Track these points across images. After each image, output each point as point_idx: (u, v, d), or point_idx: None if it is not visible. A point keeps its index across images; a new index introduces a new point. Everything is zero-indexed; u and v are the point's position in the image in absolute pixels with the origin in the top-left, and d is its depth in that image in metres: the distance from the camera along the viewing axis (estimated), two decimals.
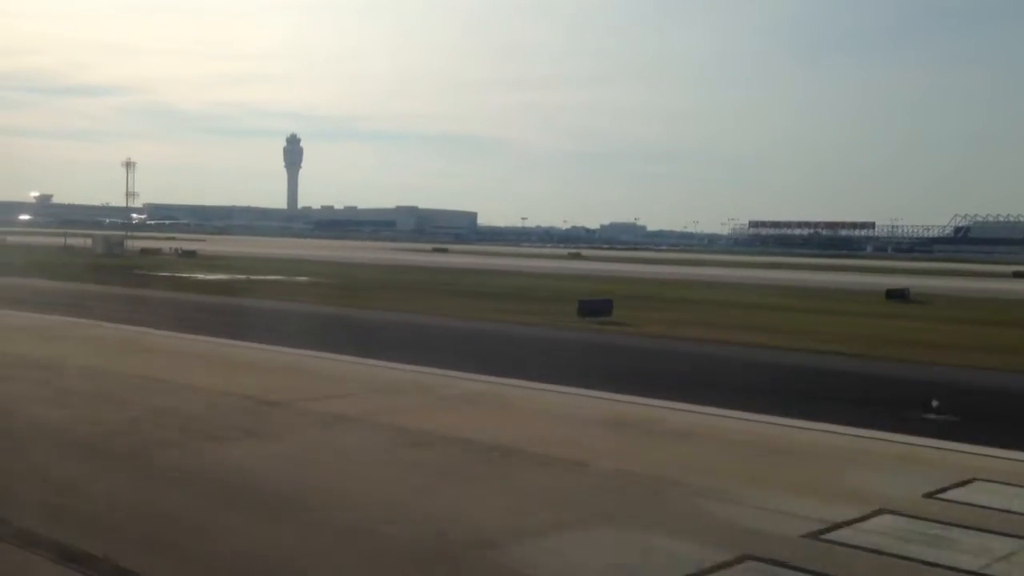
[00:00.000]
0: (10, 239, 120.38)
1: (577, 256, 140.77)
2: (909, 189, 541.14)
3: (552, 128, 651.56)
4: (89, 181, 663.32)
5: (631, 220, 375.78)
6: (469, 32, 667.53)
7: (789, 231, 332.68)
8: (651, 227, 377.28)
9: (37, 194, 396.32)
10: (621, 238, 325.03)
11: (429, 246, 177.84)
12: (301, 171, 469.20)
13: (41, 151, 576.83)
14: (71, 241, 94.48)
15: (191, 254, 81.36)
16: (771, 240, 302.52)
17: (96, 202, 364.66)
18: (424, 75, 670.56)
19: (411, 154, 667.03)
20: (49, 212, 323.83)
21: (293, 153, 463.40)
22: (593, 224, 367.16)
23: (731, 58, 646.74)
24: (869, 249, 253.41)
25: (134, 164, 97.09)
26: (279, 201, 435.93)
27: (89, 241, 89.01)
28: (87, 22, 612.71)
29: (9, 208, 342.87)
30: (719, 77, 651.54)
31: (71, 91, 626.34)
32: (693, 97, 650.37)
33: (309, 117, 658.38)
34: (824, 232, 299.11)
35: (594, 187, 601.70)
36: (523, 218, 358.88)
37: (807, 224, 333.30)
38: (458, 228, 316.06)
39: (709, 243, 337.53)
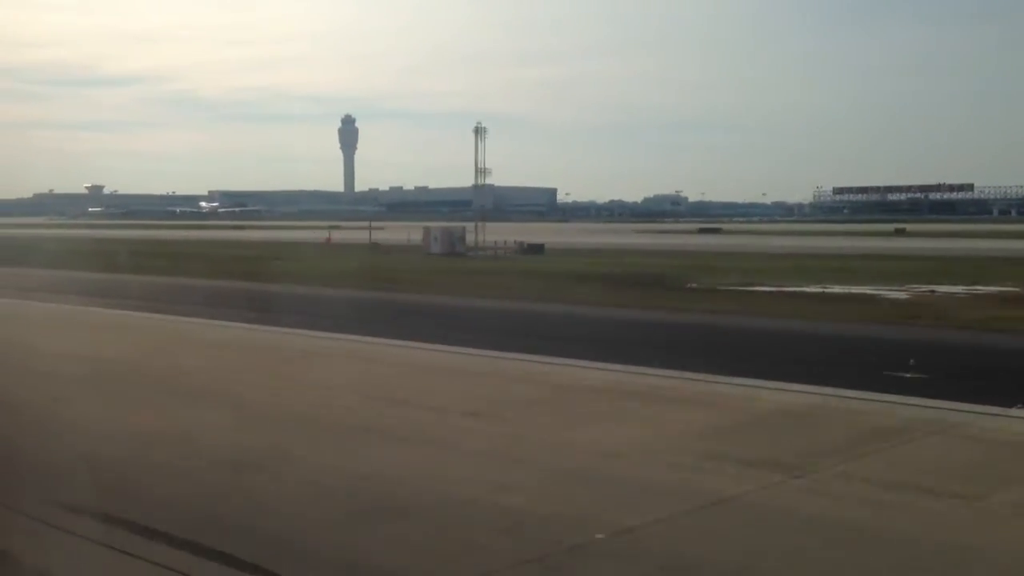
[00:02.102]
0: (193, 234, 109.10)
1: (902, 232, 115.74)
2: (974, 149, 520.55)
3: (572, 101, 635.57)
4: (125, 171, 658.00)
5: (671, 192, 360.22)
6: (486, 9, 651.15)
7: (879, 197, 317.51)
8: (692, 199, 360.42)
9: (90, 184, 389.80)
10: (657, 210, 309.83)
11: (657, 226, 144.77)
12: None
13: (70, 143, 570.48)
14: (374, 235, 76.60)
15: (539, 249, 62.04)
16: (874, 207, 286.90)
17: (137, 191, 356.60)
18: (444, 53, 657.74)
19: (436, 133, 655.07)
20: (117, 203, 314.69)
21: (348, 134, 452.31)
22: (635, 197, 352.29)
23: (770, 20, 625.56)
24: (996, 212, 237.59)
25: (484, 130, 76.00)
26: (319, 183, 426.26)
27: (405, 235, 70.88)
28: (107, 12, 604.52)
29: (68, 201, 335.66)
30: (753, 43, 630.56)
31: (95, 82, 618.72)
32: (722, 64, 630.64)
33: (334, 99, 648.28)
34: (941, 196, 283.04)
35: (621, 160, 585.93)
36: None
37: (897, 188, 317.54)
38: (538, 205, 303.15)
39: (791, 212, 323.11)
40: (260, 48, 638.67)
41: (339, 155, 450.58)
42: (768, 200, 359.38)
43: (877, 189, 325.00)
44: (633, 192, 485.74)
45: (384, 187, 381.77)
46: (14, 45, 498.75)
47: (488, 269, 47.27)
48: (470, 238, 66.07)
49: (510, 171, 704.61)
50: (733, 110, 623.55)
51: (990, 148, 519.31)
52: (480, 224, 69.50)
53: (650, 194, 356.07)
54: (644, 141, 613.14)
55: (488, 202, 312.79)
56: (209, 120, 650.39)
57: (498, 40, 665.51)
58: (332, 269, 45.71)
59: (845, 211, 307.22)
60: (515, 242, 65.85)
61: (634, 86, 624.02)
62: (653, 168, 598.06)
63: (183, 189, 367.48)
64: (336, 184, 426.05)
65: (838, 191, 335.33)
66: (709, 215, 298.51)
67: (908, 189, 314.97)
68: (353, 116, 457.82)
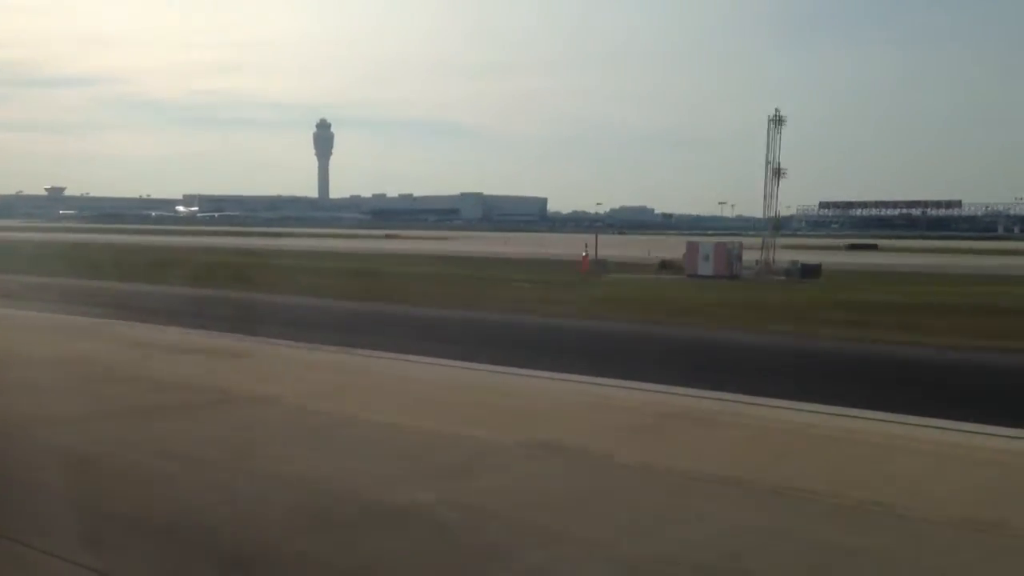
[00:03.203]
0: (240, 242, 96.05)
1: None
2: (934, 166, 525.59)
3: (533, 113, 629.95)
4: (81, 173, 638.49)
5: (640, 204, 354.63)
6: (450, 18, 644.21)
7: (865, 211, 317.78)
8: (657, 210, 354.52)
9: (50, 186, 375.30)
10: (640, 221, 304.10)
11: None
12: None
13: (19, 144, 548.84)
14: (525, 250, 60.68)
15: (815, 271, 49.20)
16: (871, 222, 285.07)
17: (99, 194, 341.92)
18: (405, 62, 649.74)
19: (395, 142, 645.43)
20: (89, 206, 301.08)
21: (323, 140, 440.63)
22: (598, 208, 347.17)
23: (708, 36, 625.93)
24: (1000, 230, 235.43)
25: (783, 120, 57.50)
26: (285, 188, 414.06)
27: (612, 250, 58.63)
28: (59, 13, 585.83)
29: (36, 202, 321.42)
30: (694, 57, 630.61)
31: (46, 83, 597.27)
32: (675, 78, 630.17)
33: (292, 106, 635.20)
34: (930, 212, 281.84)
35: (581, 172, 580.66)
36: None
37: (884, 203, 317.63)
38: (528, 215, 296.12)
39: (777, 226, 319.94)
40: (215, 52, 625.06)
41: (304, 161, 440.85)
42: (731, 214, 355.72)
43: (864, 204, 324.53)
44: (593, 203, 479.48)
45: (365, 194, 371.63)
46: None
47: (862, 303, 32.70)
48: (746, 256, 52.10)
49: (469, 180, 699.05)
50: (692, 124, 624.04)
51: (966, 165, 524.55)
52: (770, 240, 54.45)
53: (616, 205, 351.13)
54: (603, 154, 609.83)
55: (478, 211, 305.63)
56: (164, 123, 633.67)
57: (459, 50, 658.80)
58: (668, 300, 33.18)
59: (834, 226, 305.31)
60: (773, 261, 52.55)
61: (595, 99, 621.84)
62: (613, 180, 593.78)
63: (143, 192, 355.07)
64: (305, 190, 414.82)
65: (824, 205, 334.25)
66: (701, 228, 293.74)
67: (895, 204, 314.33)
68: (328, 121, 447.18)
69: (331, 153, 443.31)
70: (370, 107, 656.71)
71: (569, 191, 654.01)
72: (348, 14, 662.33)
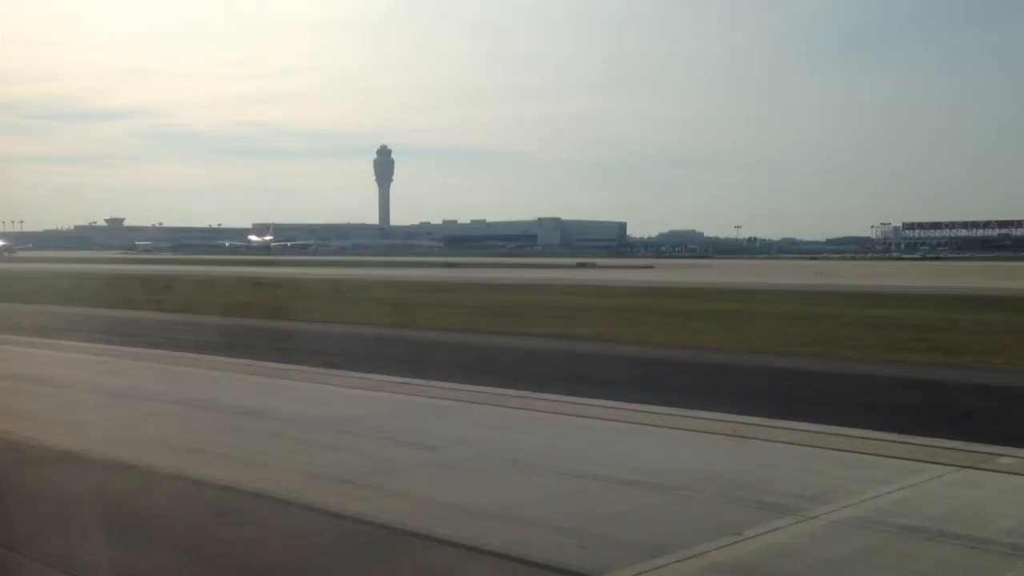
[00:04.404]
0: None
1: None
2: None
3: (570, 137, 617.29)
4: (133, 205, 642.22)
5: (685, 228, 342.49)
6: (480, 44, 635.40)
7: (953, 232, 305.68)
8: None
9: (109, 217, 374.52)
10: (689, 245, 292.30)
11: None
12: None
13: (64, 177, 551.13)
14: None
15: None
16: (970, 243, 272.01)
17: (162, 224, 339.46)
18: (436, 89, 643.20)
19: (429, 168, 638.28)
20: (164, 236, 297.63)
21: (384, 166, 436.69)
22: (643, 232, 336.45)
23: (746, 60, 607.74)
24: None
25: None
26: (338, 217, 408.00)
27: None
28: (98, 48, 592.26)
29: (98, 232, 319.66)
30: (733, 80, 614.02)
31: (87, 116, 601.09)
32: (708, 101, 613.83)
33: (329, 135, 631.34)
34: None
35: (620, 196, 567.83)
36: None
37: (975, 224, 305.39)
38: (607, 240, 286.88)
39: (863, 248, 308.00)
40: (254, 84, 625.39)
41: (360, 189, 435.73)
42: (777, 236, 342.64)
43: (951, 224, 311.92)
44: (639, 228, 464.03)
45: (430, 220, 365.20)
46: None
47: None
48: None
49: (528, 204, 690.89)
50: (730, 148, 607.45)
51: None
52: None
53: (664, 230, 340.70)
54: (641, 178, 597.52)
55: (556, 236, 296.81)
56: (208, 154, 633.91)
57: (508, 77, 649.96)
58: None
59: (923, 247, 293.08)
60: None
61: (631, 123, 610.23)
62: (651, 204, 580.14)
63: (211, 222, 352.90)
64: (363, 217, 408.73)
65: (908, 226, 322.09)
66: (796, 252, 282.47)
67: (987, 224, 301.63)
68: (389, 147, 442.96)
69: (392, 179, 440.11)
70: (406, 135, 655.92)
71: (616, 214, 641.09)
72: (376, 48, 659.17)
